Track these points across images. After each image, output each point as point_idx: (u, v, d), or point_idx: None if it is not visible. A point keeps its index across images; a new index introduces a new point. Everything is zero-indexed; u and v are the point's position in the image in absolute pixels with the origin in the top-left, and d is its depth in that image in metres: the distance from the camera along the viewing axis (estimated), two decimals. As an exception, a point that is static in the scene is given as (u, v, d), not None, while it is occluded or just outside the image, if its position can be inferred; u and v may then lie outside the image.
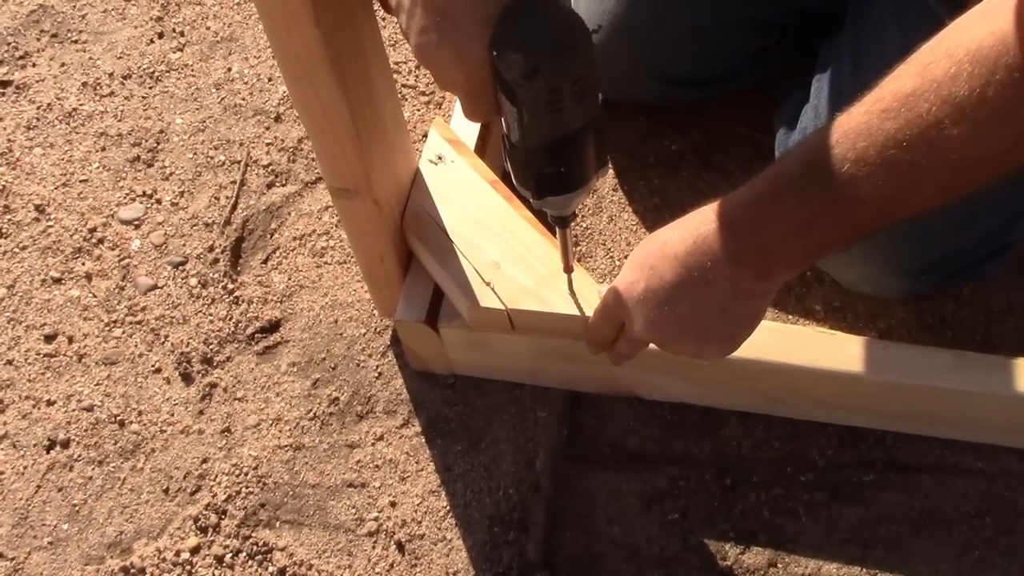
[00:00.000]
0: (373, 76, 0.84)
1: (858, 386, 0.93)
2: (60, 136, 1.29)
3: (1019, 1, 0.55)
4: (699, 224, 0.72)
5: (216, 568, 0.99)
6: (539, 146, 0.70)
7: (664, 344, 0.79)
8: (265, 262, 1.18)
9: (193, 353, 1.12)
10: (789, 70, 1.08)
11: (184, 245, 1.20)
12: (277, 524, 1.01)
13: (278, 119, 1.29)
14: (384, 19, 0.76)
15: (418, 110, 1.28)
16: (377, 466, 1.03)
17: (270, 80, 1.32)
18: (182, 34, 1.37)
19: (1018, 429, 0.96)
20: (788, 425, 1.01)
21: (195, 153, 1.27)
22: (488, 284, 0.93)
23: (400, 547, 0.99)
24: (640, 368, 0.94)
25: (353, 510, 1.01)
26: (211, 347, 1.12)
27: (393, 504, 1.01)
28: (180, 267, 1.18)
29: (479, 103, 0.70)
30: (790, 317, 1.07)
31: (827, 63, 0.98)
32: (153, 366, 1.12)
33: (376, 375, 1.08)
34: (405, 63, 1.31)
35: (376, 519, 1.01)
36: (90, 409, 1.09)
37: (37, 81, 1.34)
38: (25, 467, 1.07)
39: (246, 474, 1.04)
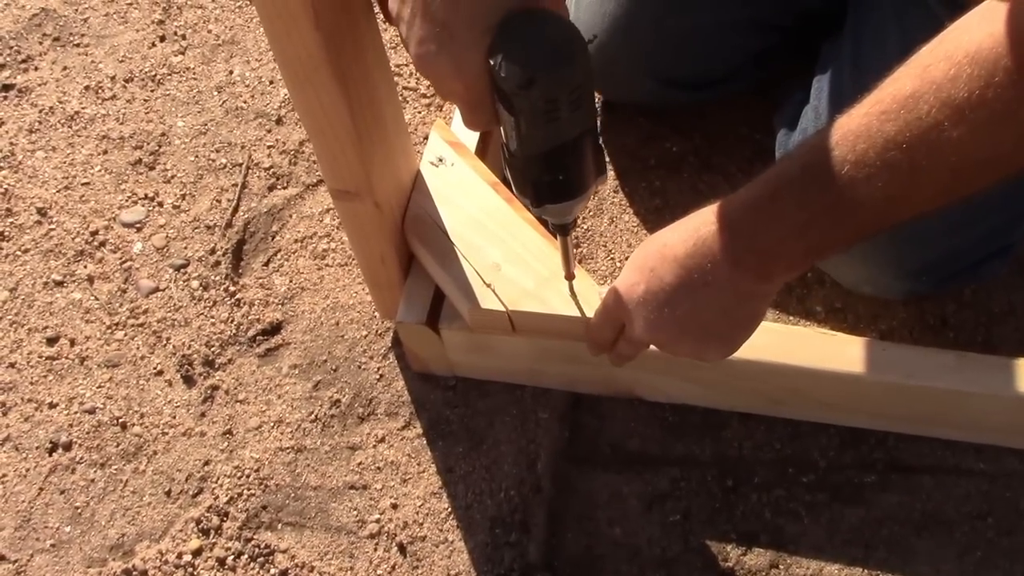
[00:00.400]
0: (374, 79, 0.84)
1: (859, 387, 0.93)
2: (62, 139, 1.30)
3: (1011, 5, 0.55)
4: (699, 226, 0.72)
5: (218, 570, 0.99)
6: (537, 154, 0.71)
7: (664, 345, 0.80)
8: (266, 264, 1.18)
9: (195, 355, 1.12)
10: (789, 71, 1.08)
11: (186, 248, 1.20)
12: (279, 526, 1.01)
13: (279, 122, 1.29)
14: (385, 23, 0.77)
15: (419, 112, 1.28)
16: (378, 468, 1.04)
17: (271, 83, 1.32)
18: (184, 37, 1.38)
19: (1019, 430, 0.95)
20: (789, 426, 1.01)
21: (197, 156, 1.27)
22: (489, 286, 0.93)
23: (402, 549, 0.99)
24: (641, 369, 0.95)
25: (355, 512, 1.01)
26: (213, 349, 1.12)
27: (395, 506, 1.01)
28: (182, 270, 1.18)
29: (478, 112, 0.71)
30: (791, 318, 1.07)
31: (827, 64, 0.98)
32: (155, 368, 1.12)
33: (377, 377, 1.09)
34: (406, 66, 1.32)
35: (378, 521, 1.01)
36: (92, 412, 1.09)
37: (39, 84, 1.34)
38: (27, 469, 1.07)
39: (248, 476, 1.04)
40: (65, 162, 1.28)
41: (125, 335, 1.14)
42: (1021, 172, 0.61)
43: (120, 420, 1.09)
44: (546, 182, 0.73)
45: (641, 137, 1.20)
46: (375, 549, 0.99)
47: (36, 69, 1.36)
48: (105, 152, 1.28)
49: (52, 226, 1.23)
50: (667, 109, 1.20)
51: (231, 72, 1.34)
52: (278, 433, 1.06)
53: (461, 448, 1.03)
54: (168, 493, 1.04)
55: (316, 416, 1.07)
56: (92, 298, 1.17)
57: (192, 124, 1.29)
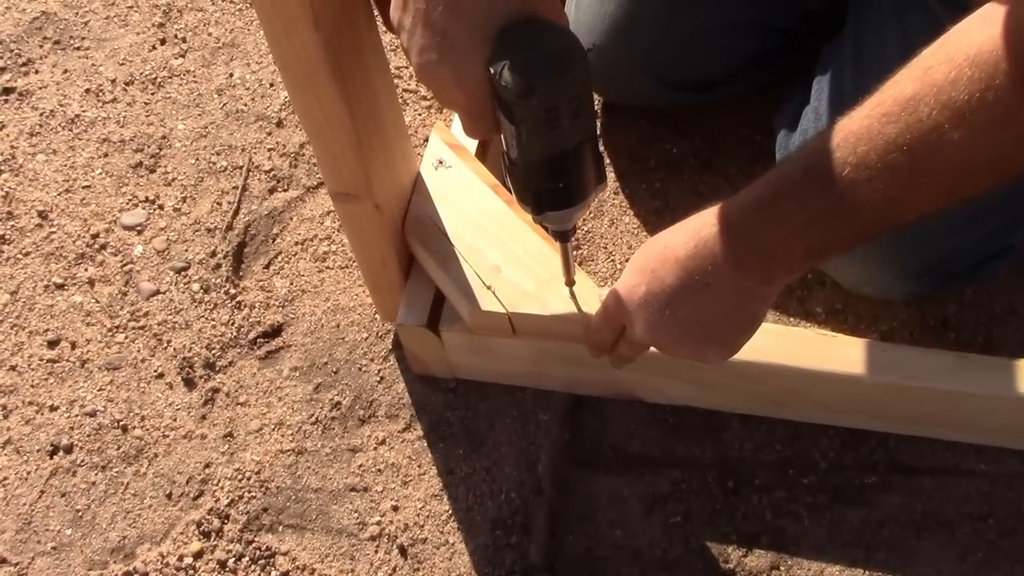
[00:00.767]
0: (374, 81, 0.84)
1: (860, 388, 0.93)
2: (63, 142, 1.30)
3: (1009, 7, 0.55)
4: (700, 227, 0.72)
5: (219, 573, 0.99)
6: (537, 162, 0.71)
7: (665, 347, 0.80)
8: (267, 267, 1.18)
9: (195, 358, 1.12)
10: (790, 72, 1.08)
11: (186, 250, 1.20)
12: (280, 528, 1.01)
13: (280, 124, 1.29)
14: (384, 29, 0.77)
15: (419, 115, 1.28)
16: (379, 470, 1.04)
17: (271, 85, 1.32)
18: (184, 40, 1.38)
19: (1020, 431, 0.95)
20: (790, 427, 1.01)
21: (197, 159, 1.27)
22: (489, 288, 0.93)
23: (402, 551, 0.99)
24: (641, 371, 0.95)
25: (355, 514, 1.01)
26: (213, 352, 1.12)
27: (395, 508, 1.01)
28: (182, 272, 1.18)
29: (479, 121, 0.71)
30: (791, 319, 1.07)
31: (827, 65, 0.98)
32: (156, 371, 1.12)
33: (378, 379, 1.09)
34: (406, 68, 1.32)
35: (378, 523, 1.01)
36: (93, 414, 1.09)
37: (40, 88, 1.34)
38: (28, 472, 1.07)
39: (249, 479, 1.04)
40: (66, 165, 1.28)
41: (126, 338, 1.14)
42: (1022, 174, 0.61)
43: (121, 423, 1.09)
44: (547, 190, 0.74)
45: (641, 138, 1.20)
46: (376, 551, 0.99)
47: (37, 72, 1.36)
48: (106, 155, 1.28)
49: (53, 229, 1.23)
50: (668, 110, 1.20)
51: (231, 75, 1.34)
52: (279, 435, 1.06)
53: (462, 450, 1.03)
54: (169, 496, 1.04)
55: (317, 418, 1.07)
56: (93, 301, 1.17)
57: (192, 127, 1.29)
